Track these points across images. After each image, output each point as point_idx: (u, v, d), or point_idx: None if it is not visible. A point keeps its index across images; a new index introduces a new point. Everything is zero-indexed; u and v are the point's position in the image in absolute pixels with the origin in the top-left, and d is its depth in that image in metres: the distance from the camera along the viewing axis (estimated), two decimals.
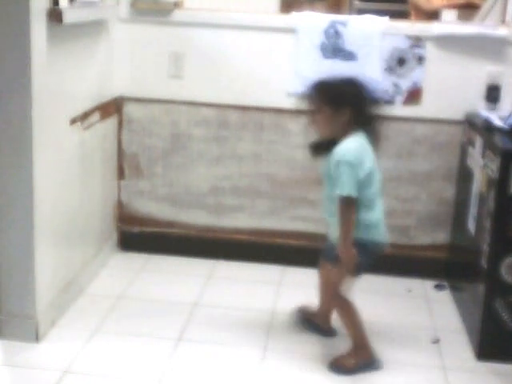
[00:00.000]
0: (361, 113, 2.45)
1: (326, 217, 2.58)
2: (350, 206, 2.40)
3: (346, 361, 2.55)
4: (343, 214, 2.41)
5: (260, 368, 2.55)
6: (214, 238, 3.45)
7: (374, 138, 2.50)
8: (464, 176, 3.09)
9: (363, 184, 2.41)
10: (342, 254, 2.44)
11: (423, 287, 3.28)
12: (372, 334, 2.80)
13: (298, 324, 2.82)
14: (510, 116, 2.91)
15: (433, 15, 3.70)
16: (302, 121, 3.25)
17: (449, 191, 3.28)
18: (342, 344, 2.66)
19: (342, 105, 2.43)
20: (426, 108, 3.21)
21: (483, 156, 2.77)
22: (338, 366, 2.54)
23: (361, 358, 2.55)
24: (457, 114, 3.18)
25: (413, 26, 3.20)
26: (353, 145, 2.42)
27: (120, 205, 3.47)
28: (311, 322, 2.80)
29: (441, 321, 2.97)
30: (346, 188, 2.37)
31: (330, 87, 2.48)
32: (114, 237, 3.48)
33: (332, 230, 2.54)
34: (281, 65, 3.23)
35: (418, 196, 3.29)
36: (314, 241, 3.35)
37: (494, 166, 2.59)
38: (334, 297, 2.62)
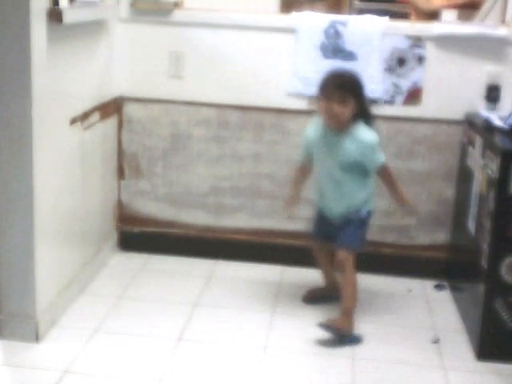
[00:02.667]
0: (364, 103, 2.77)
1: (332, 200, 2.83)
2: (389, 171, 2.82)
3: (338, 323, 2.74)
4: (390, 175, 2.81)
5: (260, 368, 2.55)
6: (214, 238, 3.45)
7: (372, 124, 2.79)
8: (464, 176, 3.10)
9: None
10: (408, 202, 2.86)
11: (423, 287, 3.28)
12: (372, 334, 2.81)
13: (311, 303, 3.02)
14: (510, 116, 2.91)
15: (433, 15, 3.70)
16: (302, 121, 3.27)
17: (449, 191, 3.28)
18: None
19: (362, 96, 2.73)
20: (426, 108, 3.21)
21: (483, 156, 2.77)
22: (331, 326, 2.73)
23: (351, 324, 2.76)
24: (457, 114, 3.18)
25: (413, 26, 3.20)
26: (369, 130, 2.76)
27: (120, 205, 3.47)
28: (321, 297, 3.03)
29: (441, 321, 2.97)
30: (382, 158, 2.76)
31: (355, 80, 2.75)
32: (114, 237, 3.48)
33: (336, 208, 2.82)
34: (281, 65, 3.23)
35: (418, 196, 3.28)
36: None
37: (494, 165, 2.59)
38: (350, 271, 2.78)
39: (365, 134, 2.73)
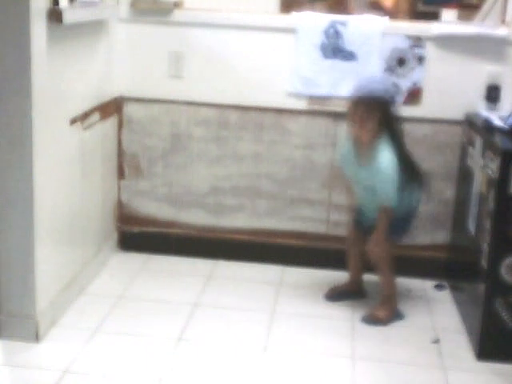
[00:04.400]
0: (389, 115, 2.81)
1: (367, 208, 2.93)
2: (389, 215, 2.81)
3: (379, 313, 2.91)
4: (384, 221, 2.81)
5: (260, 368, 2.55)
6: (214, 238, 3.45)
7: (399, 136, 2.84)
8: (464, 176, 3.10)
9: None
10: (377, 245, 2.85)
11: (423, 287, 3.28)
12: (372, 334, 2.81)
13: (333, 300, 3.08)
14: (510, 116, 2.91)
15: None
16: (302, 121, 3.27)
17: (449, 191, 3.27)
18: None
19: (387, 112, 2.78)
20: (426, 108, 3.21)
21: (483, 156, 2.77)
22: (372, 319, 2.90)
23: (390, 310, 2.94)
24: (457, 114, 3.18)
25: (413, 26, 3.20)
26: (391, 156, 2.75)
27: (120, 205, 3.47)
28: (344, 293, 3.10)
29: (441, 321, 2.97)
30: (391, 201, 2.77)
31: (378, 98, 2.78)
32: (114, 237, 3.48)
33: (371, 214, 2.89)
34: (281, 65, 3.23)
35: None
36: (313, 241, 3.36)
37: (494, 165, 2.59)
38: (382, 262, 2.92)
39: (383, 161, 2.74)
